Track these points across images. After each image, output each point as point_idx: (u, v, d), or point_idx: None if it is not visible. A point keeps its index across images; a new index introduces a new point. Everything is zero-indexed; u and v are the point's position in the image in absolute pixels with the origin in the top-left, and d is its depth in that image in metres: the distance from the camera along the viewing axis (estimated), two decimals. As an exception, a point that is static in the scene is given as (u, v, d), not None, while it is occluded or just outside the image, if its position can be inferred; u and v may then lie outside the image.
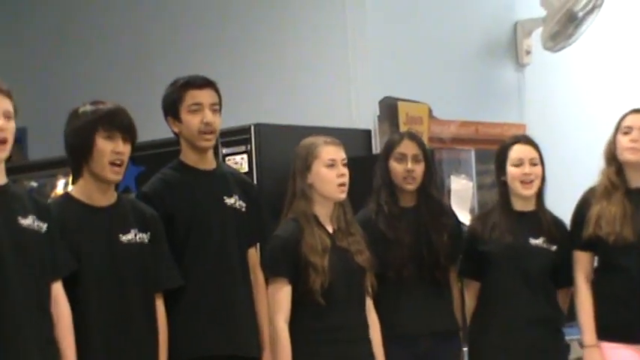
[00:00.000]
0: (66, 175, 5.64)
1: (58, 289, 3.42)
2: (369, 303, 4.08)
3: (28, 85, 6.45)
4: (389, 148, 4.35)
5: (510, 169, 4.26)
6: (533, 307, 4.22)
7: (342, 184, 3.97)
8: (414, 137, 4.39)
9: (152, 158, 4.53)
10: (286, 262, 3.90)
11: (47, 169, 5.84)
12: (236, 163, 4.93)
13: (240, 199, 3.96)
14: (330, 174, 3.96)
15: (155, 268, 3.66)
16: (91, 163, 3.55)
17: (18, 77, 6.26)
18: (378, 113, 5.65)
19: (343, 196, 4.00)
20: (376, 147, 5.51)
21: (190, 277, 3.77)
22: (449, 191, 5.15)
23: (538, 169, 4.26)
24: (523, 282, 4.23)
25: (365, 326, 4.04)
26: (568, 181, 4.98)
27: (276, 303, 3.91)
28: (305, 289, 3.89)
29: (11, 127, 3.31)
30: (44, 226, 3.39)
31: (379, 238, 4.19)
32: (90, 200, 3.60)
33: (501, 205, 4.31)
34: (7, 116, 3.29)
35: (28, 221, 3.34)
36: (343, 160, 4.01)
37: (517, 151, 4.27)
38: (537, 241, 4.25)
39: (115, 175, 3.56)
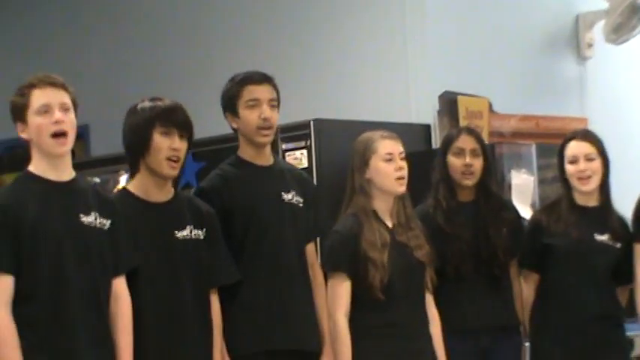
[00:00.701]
0: (128, 171, 5.71)
1: (119, 286, 3.45)
2: (429, 298, 4.07)
3: (91, 82, 6.53)
4: (447, 143, 4.34)
5: (567, 167, 4.26)
6: (596, 302, 4.20)
7: (400, 178, 3.96)
8: (472, 132, 4.38)
9: (212, 154, 4.57)
10: (346, 258, 3.90)
11: (109, 165, 5.91)
12: (295, 159, 4.94)
13: (297, 194, 3.96)
14: (388, 168, 3.95)
15: (211, 264, 3.68)
16: (148, 158, 3.58)
17: (80, 74, 6.35)
18: (437, 108, 5.63)
19: (402, 189, 3.98)
20: (436, 142, 5.49)
21: (248, 272, 3.78)
22: (509, 186, 5.12)
23: (595, 164, 4.22)
24: (587, 277, 4.20)
25: (425, 321, 4.02)
26: (631, 175, 4.92)
27: (335, 298, 3.91)
28: (364, 284, 3.88)
29: (70, 119, 3.35)
30: (107, 223, 3.42)
31: (437, 233, 4.18)
32: (146, 196, 3.63)
33: (566, 198, 4.28)
34: (64, 108, 3.34)
35: (90, 218, 3.38)
36: (401, 153, 3.99)
37: (572, 148, 4.25)
38: (603, 238, 4.22)
39: (171, 170, 3.59)
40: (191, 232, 3.64)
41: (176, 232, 3.61)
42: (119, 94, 6.50)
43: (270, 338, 3.79)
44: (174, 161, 3.57)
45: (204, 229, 3.67)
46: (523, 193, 5.13)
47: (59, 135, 3.31)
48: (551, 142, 5.01)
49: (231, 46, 6.32)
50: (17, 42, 7.44)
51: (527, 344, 4.37)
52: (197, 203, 3.73)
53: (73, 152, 3.44)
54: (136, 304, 3.48)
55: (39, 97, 3.31)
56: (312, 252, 4.02)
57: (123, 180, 5.81)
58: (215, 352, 3.64)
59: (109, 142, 6.19)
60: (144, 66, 6.71)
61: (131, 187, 3.67)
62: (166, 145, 3.56)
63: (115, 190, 5.55)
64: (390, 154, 3.96)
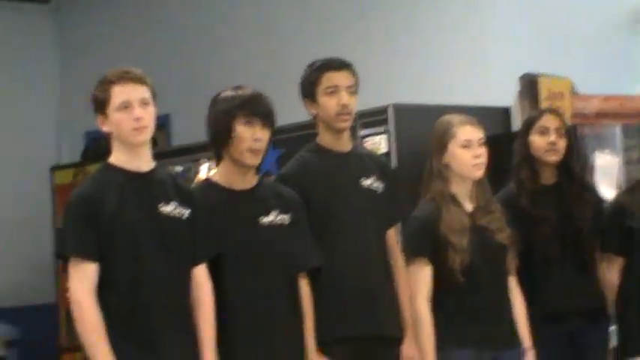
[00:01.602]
0: (209, 160, 5.77)
1: (200, 274, 3.49)
2: (513, 281, 4.04)
3: (172, 71, 6.61)
4: (530, 123, 4.31)
5: None
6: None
7: (477, 165, 3.93)
8: (555, 112, 4.38)
9: (292, 141, 4.58)
10: (425, 243, 3.89)
11: (191, 153, 5.97)
12: (374, 144, 4.94)
13: (377, 180, 3.96)
14: (465, 155, 3.93)
15: (297, 249, 3.70)
16: (231, 148, 3.61)
17: (162, 64, 6.43)
18: (518, 90, 5.57)
19: (480, 174, 3.95)
20: (515, 124, 5.43)
21: (329, 258, 3.79)
22: (593, 167, 5.05)
23: None
24: None
25: (508, 306, 3.99)
26: None
27: (416, 283, 3.91)
28: (445, 269, 3.87)
29: (149, 113, 3.39)
30: (186, 212, 3.46)
31: (521, 216, 4.14)
32: (230, 184, 3.66)
33: None
34: (143, 103, 3.39)
35: (169, 208, 3.43)
36: (480, 139, 3.96)
37: None
38: None
39: (253, 160, 3.61)
40: (276, 217, 3.66)
41: (261, 218, 3.64)
42: (200, 83, 6.57)
43: (352, 324, 3.79)
44: (257, 150, 3.60)
45: (289, 215, 3.70)
46: (608, 174, 5.06)
47: (139, 128, 3.37)
48: (637, 123, 4.93)
49: (309, 33, 6.33)
50: (100, 33, 7.56)
51: (613, 328, 4.31)
52: (281, 189, 3.76)
53: (154, 142, 3.49)
54: (224, 291, 3.52)
55: (119, 94, 3.36)
56: (392, 237, 4.02)
57: (204, 169, 5.89)
58: (307, 336, 3.66)
59: (190, 131, 6.26)
60: (224, 55, 6.77)
61: (215, 177, 3.71)
62: (249, 135, 3.58)
63: (199, 179, 5.67)
64: (469, 140, 3.93)
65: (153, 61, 6.09)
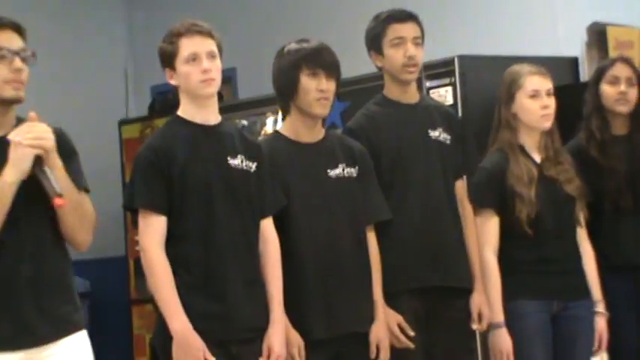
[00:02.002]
0: (275, 113, 5.78)
1: (267, 227, 3.50)
2: (582, 233, 4.01)
3: (237, 25, 6.62)
4: (600, 72, 4.26)
5: None
6: None
7: (545, 115, 3.90)
8: (627, 60, 4.32)
9: (357, 93, 4.57)
10: (493, 193, 3.89)
11: (257, 107, 5.98)
12: (440, 96, 4.91)
13: (444, 131, 3.94)
14: (533, 105, 3.90)
15: (365, 202, 3.70)
16: (297, 100, 3.61)
17: (227, 18, 6.44)
18: (586, 39, 5.48)
19: (548, 125, 3.93)
20: (584, 75, 5.36)
21: (397, 210, 3.79)
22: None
23: None
24: None
25: (577, 257, 3.98)
26: None
27: (484, 234, 3.91)
28: (512, 219, 3.86)
29: (216, 65, 3.40)
30: (253, 165, 3.48)
31: (592, 167, 4.11)
32: (298, 137, 3.67)
33: None
34: (211, 56, 3.39)
35: (236, 161, 3.44)
36: (548, 90, 3.93)
37: None
38: None
39: (321, 109, 3.62)
40: (344, 170, 3.67)
41: (329, 170, 3.64)
42: (265, 36, 6.56)
43: (421, 275, 3.80)
44: (324, 100, 3.60)
45: (357, 167, 3.70)
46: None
47: (206, 80, 3.38)
48: None
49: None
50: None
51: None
52: (349, 142, 3.76)
53: (220, 96, 3.51)
54: (291, 243, 3.54)
55: (187, 46, 3.37)
56: (461, 188, 4.00)
57: (270, 122, 5.90)
58: (375, 289, 3.67)
59: (255, 84, 6.28)
60: (288, 7, 6.75)
61: (282, 130, 3.72)
62: (314, 87, 3.58)
63: (265, 132, 5.70)
64: (536, 90, 3.91)
65: (219, 14, 6.09)
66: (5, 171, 2.93)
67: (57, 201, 2.93)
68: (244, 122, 5.98)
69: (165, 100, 6.73)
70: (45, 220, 3.05)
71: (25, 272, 3.00)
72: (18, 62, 2.99)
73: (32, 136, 2.93)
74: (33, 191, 2.98)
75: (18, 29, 3.04)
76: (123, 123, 7.01)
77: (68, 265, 3.15)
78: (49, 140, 2.96)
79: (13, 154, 2.93)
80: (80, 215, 3.07)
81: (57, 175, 2.96)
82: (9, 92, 2.99)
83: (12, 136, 2.94)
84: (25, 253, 3.01)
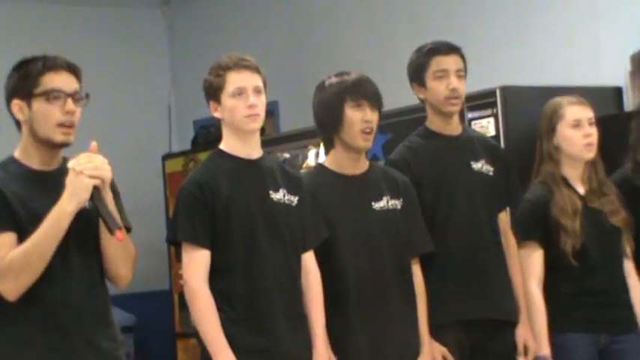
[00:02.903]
0: (316, 146, 5.79)
1: (308, 260, 3.51)
2: (629, 265, 3.97)
3: (279, 59, 6.65)
4: None
5: None
6: None
7: (588, 144, 3.88)
8: None
9: (398, 125, 4.58)
10: (537, 226, 3.87)
11: (298, 140, 6.00)
12: (482, 127, 4.89)
13: (487, 163, 3.93)
14: (575, 135, 3.89)
15: (409, 234, 3.69)
16: (342, 133, 3.62)
17: (269, 52, 6.48)
18: (629, 69, 5.44)
19: (591, 155, 3.91)
20: (627, 104, 5.31)
21: (440, 242, 3.78)
22: None
23: None
24: None
25: (624, 289, 3.93)
26: None
27: (528, 267, 3.88)
28: (557, 252, 3.83)
29: (261, 101, 3.42)
30: (295, 199, 3.49)
31: (638, 197, 4.06)
32: (342, 170, 3.67)
33: None
34: (257, 91, 3.41)
35: (279, 195, 3.46)
36: (590, 119, 3.91)
37: None
38: None
39: (365, 142, 3.62)
40: (388, 202, 3.67)
41: (373, 203, 3.64)
42: (307, 69, 6.60)
43: (466, 308, 3.78)
44: (368, 133, 3.60)
45: (401, 199, 3.70)
46: None
47: (251, 116, 3.39)
48: None
49: (413, 16, 6.29)
50: (209, 22, 7.65)
51: None
52: (392, 174, 3.76)
53: (262, 129, 3.52)
54: (337, 277, 3.54)
55: (234, 80, 3.39)
56: (504, 220, 3.99)
57: (311, 155, 5.91)
58: (421, 321, 3.66)
59: (298, 117, 6.29)
60: (328, 41, 6.78)
61: (326, 163, 3.72)
62: (359, 118, 3.59)
63: (307, 165, 5.71)
64: (578, 120, 3.90)
65: (261, 48, 6.12)
66: (63, 200, 2.93)
67: (118, 234, 2.94)
68: (286, 155, 5.99)
69: (208, 133, 6.78)
70: (92, 256, 3.08)
71: (73, 307, 3.02)
72: (70, 105, 3.03)
73: (92, 166, 2.94)
74: (83, 226, 3.01)
75: (73, 70, 3.08)
76: (166, 157, 7.06)
77: (109, 302, 3.18)
78: (108, 172, 2.98)
79: (73, 184, 2.93)
80: (125, 251, 3.09)
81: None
82: (59, 137, 3.02)
83: (72, 165, 2.94)
84: (73, 287, 3.04)
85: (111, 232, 2.94)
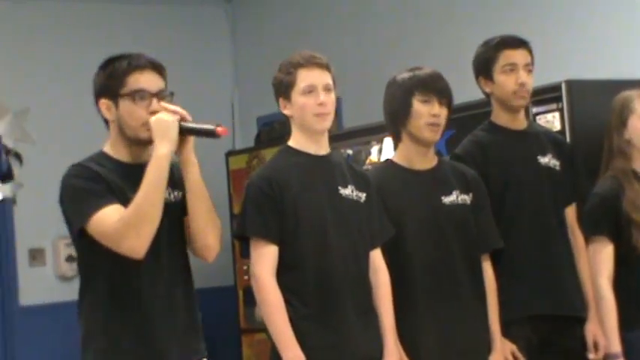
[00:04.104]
0: (379, 142, 5.78)
1: (376, 257, 3.50)
2: None
3: (342, 55, 6.64)
4: None
5: None
6: None
7: None
8: None
9: (462, 121, 4.54)
10: (607, 220, 3.81)
11: (361, 136, 5.99)
12: (547, 122, 4.84)
13: (554, 157, 3.91)
14: (647, 129, 3.84)
15: (479, 229, 3.68)
16: (409, 125, 3.62)
17: (331, 48, 6.48)
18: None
19: (664, 149, 3.85)
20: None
21: (507, 237, 3.75)
22: None
23: None
24: None
25: None
26: None
27: (597, 262, 3.83)
28: (628, 247, 3.78)
29: (331, 99, 3.43)
30: (363, 196, 3.48)
31: None
32: (411, 165, 3.67)
33: None
34: (327, 89, 3.42)
35: (347, 191, 3.46)
36: (662, 113, 3.85)
37: None
38: None
39: (432, 134, 3.62)
40: (457, 197, 3.66)
41: (443, 197, 3.63)
42: (370, 66, 6.60)
43: (534, 303, 3.76)
44: (435, 125, 3.59)
45: (471, 194, 3.68)
46: None
47: (321, 114, 3.40)
48: None
49: (480, 9, 6.25)
50: (273, 19, 7.66)
51: None
52: (462, 168, 3.75)
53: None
54: (406, 272, 3.53)
55: (305, 78, 3.40)
56: (572, 215, 3.96)
57: (374, 151, 5.90)
58: (492, 316, 3.64)
59: (360, 114, 6.30)
60: (392, 37, 6.76)
61: (395, 158, 3.72)
62: (426, 112, 3.59)
63: (370, 162, 5.70)
64: (650, 114, 3.84)
65: (324, 45, 6.12)
66: (156, 146, 3.04)
67: (219, 129, 3.07)
68: (349, 152, 5.99)
69: (272, 130, 6.79)
70: (181, 245, 3.17)
71: (160, 296, 3.09)
72: (155, 105, 3.10)
73: (171, 109, 3.08)
74: (173, 215, 3.11)
75: (158, 68, 3.15)
76: (230, 154, 7.09)
77: (195, 294, 3.24)
78: (183, 111, 3.09)
79: (157, 128, 3.04)
80: (214, 219, 3.16)
81: (196, 176, 3.10)
82: (145, 134, 3.10)
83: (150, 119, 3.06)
84: (162, 277, 3.11)
85: (214, 134, 3.08)
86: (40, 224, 6.77)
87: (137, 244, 2.99)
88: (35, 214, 6.77)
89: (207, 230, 3.14)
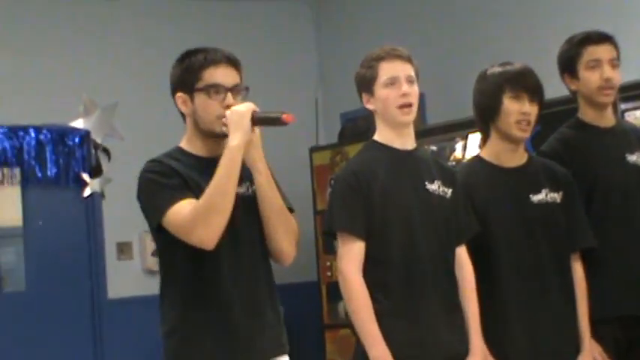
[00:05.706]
0: (464, 138, 5.75)
1: (462, 253, 3.48)
2: None
3: (425, 51, 6.61)
4: None
5: None
6: None
7: None
8: None
9: (547, 118, 4.48)
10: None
11: (445, 132, 5.97)
12: (636, 119, 4.78)
13: (643, 154, 3.83)
14: None
15: (569, 228, 3.63)
16: (498, 122, 3.59)
17: (415, 44, 6.45)
18: None
19: None
20: None
21: (595, 236, 3.69)
22: None
23: None
24: None
25: None
26: None
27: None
28: None
29: (414, 91, 3.42)
30: (449, 191, 3.47)
31: None
32: (499, 161, 3.64)
33: None
34: (409, 81, 3.41)
35: (434, 186, 3.44)
36: None
37: None
38: None
39: (521, 132, 3.58)
40: (547, 195, 3.62)
41: (532, 195, 3.60)
42: (453, 62, 6.55)
43: (623, 304, 3.70)
44: (525, 123, 3.56)
45: (561, 192, 3.64)
46: None
47: (405, 106, 3.39)
48: None
49: (561, 5, 6.17)
50: (357, 16, 7.66)
51: None
52: (552, 166, 3.70)
53: (411, 122, 3.51)
54: (493, 269, 3.51)
55: (387, 70, 3.39)
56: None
57: (459, 147, 5.87)
58: (582, 317, 3.59)
59: (444, 110, 6.27)
60: (474, 34, 6.71)
61: (484, 154, 3.70)
62: (516, 109, 3.56)
63: (455, 158, 5.67)
64: None
65: (407, 41, 6.10)
66: (230, 138, 3.07)
67: (286, 117, 3.10)
68: (433, 148, 5.97)
69: (355, 126, 6.80)
70: (259, 236, 3.17)
71: (241, 288, 3.12)
72: (230, 99, 3.13)
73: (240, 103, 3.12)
74: (251, 209, 3.13)
75: (233, 63, 3.18)
76: (313, 150, 7.12)
77: (275, 288, 3.25)
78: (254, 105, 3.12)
79: (231, 121, 3.07)
80: (286, 224, 3.18)
81: (268, 185, 3.12)
82: (219, 128, 3.13)
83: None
84: (243, 267, 3.13)
85: (281, 122, 3.10)
86: (127, 218, 6.82)
87: (206, 234, 3.00)
88: (123, 208, 6.83)
89: (278, 236, 3.16)
